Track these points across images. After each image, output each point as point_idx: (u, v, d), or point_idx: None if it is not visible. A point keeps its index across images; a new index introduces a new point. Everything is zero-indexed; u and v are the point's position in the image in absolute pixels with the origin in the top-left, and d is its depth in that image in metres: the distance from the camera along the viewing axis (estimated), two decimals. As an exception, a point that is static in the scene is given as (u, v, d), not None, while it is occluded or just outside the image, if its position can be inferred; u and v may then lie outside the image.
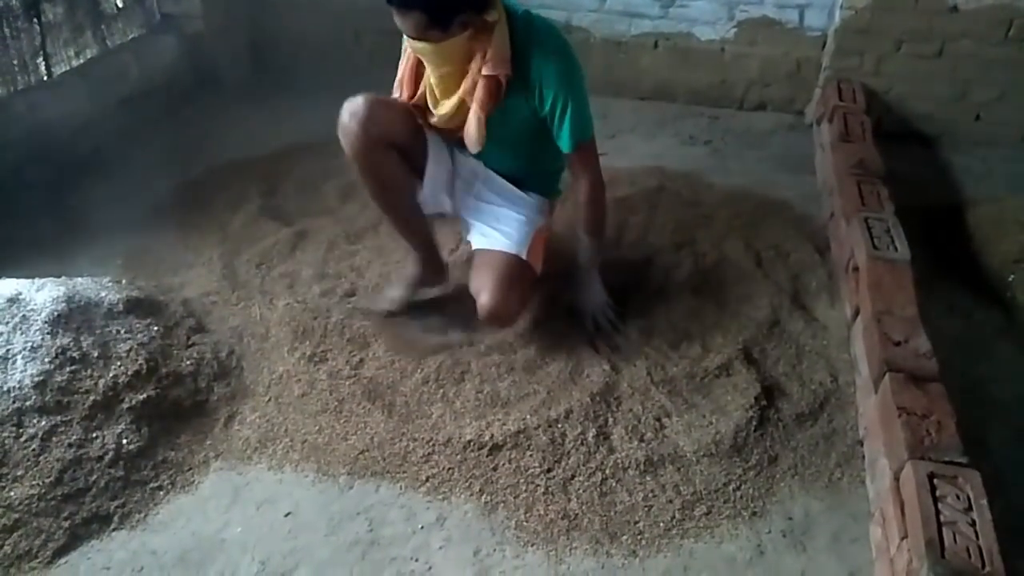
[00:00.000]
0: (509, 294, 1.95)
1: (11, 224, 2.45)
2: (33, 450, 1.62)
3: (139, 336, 1.90)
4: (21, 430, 1.63)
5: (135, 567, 1.54)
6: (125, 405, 1.75)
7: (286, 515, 1.66)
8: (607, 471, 1.72)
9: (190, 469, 1.75)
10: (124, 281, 2.18)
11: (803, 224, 2.62)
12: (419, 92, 1.93)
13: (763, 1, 3.31)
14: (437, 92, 1.90)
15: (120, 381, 1.78)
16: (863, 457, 1.74)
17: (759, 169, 3.01)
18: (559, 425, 1.82)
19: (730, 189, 2.84)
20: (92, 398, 1.72)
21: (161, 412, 1.81)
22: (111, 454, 1.68)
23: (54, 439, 1.65)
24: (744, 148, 3.18)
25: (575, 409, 1.85)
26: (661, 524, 1.61)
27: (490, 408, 1.88)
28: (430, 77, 1.88)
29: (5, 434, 1.62)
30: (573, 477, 1.71)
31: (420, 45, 1.77)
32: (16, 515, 1.55)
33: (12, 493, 1.57)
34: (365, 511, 1.66)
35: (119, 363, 1.80)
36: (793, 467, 1.74)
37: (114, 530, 1.61)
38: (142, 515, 1.64)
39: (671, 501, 1.66)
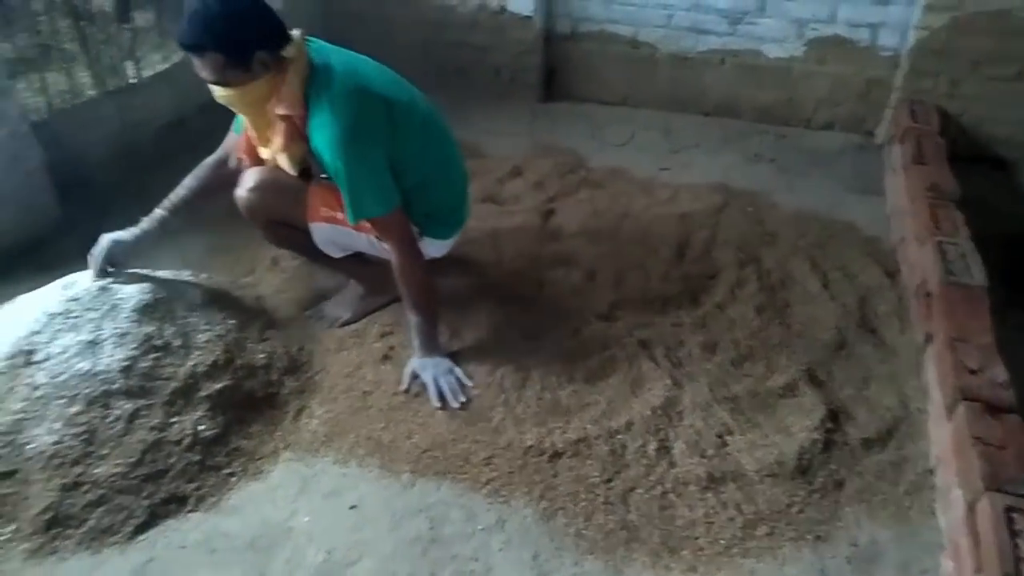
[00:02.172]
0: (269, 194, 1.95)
1: (99, 218, 2.56)
2: (118, 431, 1.71)
3: (217, 328, 1.97)
4: (108, 411, 1.72)
5: (209, 548, 1.61)
6: (203, 393, 1.83)
7: (351, 508, 1.70)
8: (668, 485, 1.72)
9: (261, 458, 1.82)
10: (203, 275, 2.27)
11: (871, 246, 2.58)
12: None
13: (834, 19, 3.27)
14: (257, 139, 1.90)
15: (199, 370, 1.86)
16: (934, 487, 1.71)
17: (826, 189, 2.98)
18: (619, 436, 1.83)
19: (796, 208, 2.82)
20: (173, 385, 1.80)
21: (235, 402, 1.88)
22: (189, 439, 1.75)
23: (137, 422, 1.73)
24: (811, 167, 3.15)
25: (636, 421, 1.86)
26: (722, 542, 1.61)
27: (551, 416, 1.91)
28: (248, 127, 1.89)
29: (93, 414, 1.70)
30: (633, 489, 1.72)
31: (225, 93, 1.74)
32: (101, 491, 1.63)
33: (98, 470, 1.65)
34: (427, 509, 1.70)
35: (198, 353, 1.88)
36: (860, 493, 1.72)
37: (190, 511, 1.68)
38: (216, 499, 1.71)
39: (732, 519, 1.65)
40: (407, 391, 1.97)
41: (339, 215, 1.95)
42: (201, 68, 1.69)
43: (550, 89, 3.74)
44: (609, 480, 1.74)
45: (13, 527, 1.59)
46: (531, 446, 1.81)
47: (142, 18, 3.09)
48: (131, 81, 2.98)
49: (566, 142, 3.32)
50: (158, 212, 2.00)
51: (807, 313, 2.24)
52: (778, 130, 3.45)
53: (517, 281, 2.38)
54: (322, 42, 1.86)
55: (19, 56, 2.49)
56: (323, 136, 1.75)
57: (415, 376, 1.99)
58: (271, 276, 2.40)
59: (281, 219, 2.04)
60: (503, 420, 1.89)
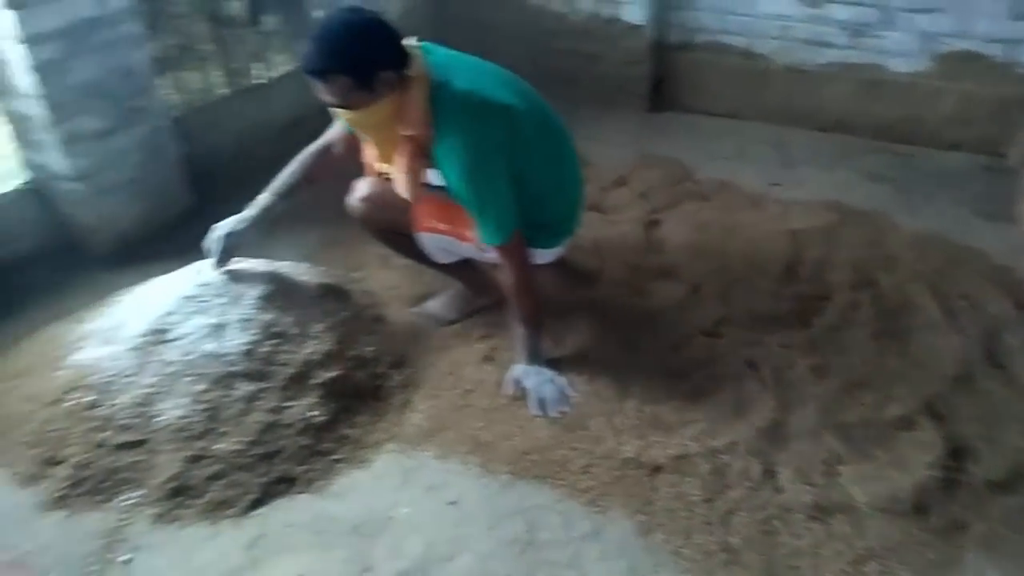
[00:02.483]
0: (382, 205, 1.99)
1: (224, 208, 2.71)
2: (238, 411, 1.80)
3: (331, 319, 2.05)
4: (230, 391, 1.81)
5: (315, 529, 1.67)
6: (316, 381, 1.90)
7: (450, 503, 1.74)
8: (772, 510, 1.67)
9: (366, 447, 1.88)
10: (319, 268, 2.36)
11: (1000, 276, 2.43)
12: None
13: (968, 34, 3.10)
14: (378, 156, 1.89)
15: (313, 358, 1.94)
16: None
17: (951, 213, 2.82)
18: (722, 456, 1.79)
19: (917, 232, 2.68)
20: (289, 371, 1.89)
21: (345, 391, 1.94)
22: (301, 423, 1.83)
23: (255, 403, 1.82)
24: (935, 189, 3.00)
25: (740, 442, 1.82)
26: (828, 575, 1.55)
27: (651, 429, 1.89)
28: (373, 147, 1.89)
29: (217, 393, 1.80)
30: (735, 511, 1.68)
31: (350, 115, 1.74)
32: (221, 466, 1.73)
33: (219, 446, 1.75)
34: (524, 511, 1.71)
35: (313, 342, 1.96)
36: (984, 538, 1.61)
37: (299, 492, 1.75)
38: (323, 483, 1.78)
39: (840, 553, 1.59)
40: (510, 396, 1.99)
41: (442, 226, 2.01)
42: (326, 92, 1.69)
43: (658, 99, 3.71)
44: (710, 499, 1.70)
45: (142, 492, 1.70)
46: (630, 458, 1.80)
47: (270, 22, 3.25)
48: (258, 81, 3.14)
49: (673, 153, 3.28)
50: (264, 197, 2.00)
51: (927, 342, 2.13)
52: (899, 148, 3.30)
53: (619, 291, 2.37)
54: (437, 47, 1.85)
55: (162, 56, 2.67)
56: (449, 161, 1.76)
57: (518, 382, 2.01)
58: (381, 273, 2.47)
59: (390, 227, 2.10)
60: (603, 429, 1.89)
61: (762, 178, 3.07)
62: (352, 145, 2.00)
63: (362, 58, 1.65)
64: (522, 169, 1.84)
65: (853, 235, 2.65)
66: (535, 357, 2.02)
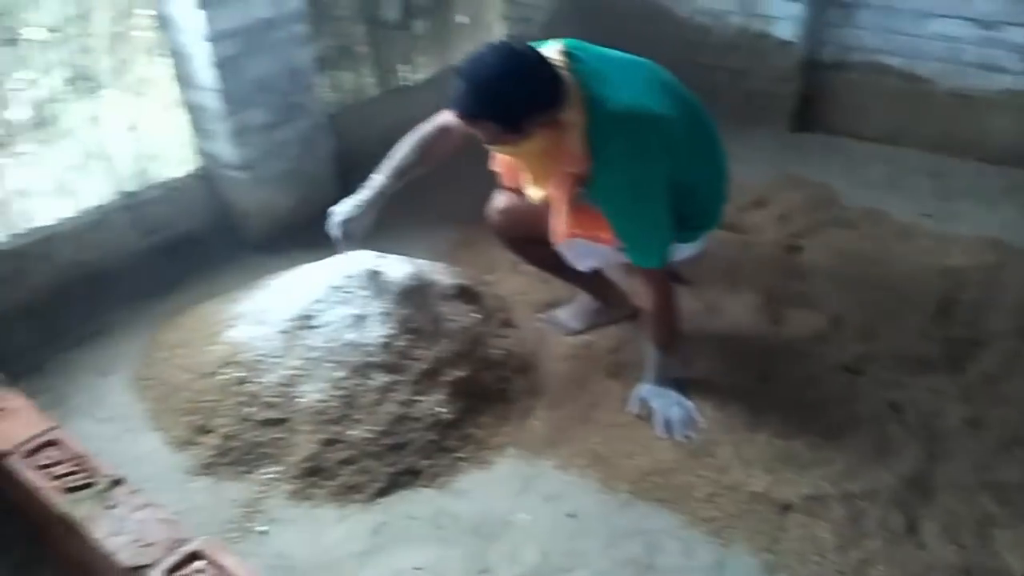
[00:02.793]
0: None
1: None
2: (373, 400, 1.87)
3: (463, 319, 2.10)
4: (366, 381, 1.89)
5: (436, 524, 1.71)
6: (445, 378, 1.95)
7: (569, 516, 1.74)
8: (914, 568, 1.57)
9: (488, 448, 1.90)
10: (453, 268, 2.42)
11: None
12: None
13: None
14: (529, 182, 1.87)
15: (444, 356, 1.98)
16: None
17: None
18: (859, 502, 1.70)
19: (1093, 279, 2.44)
20: (422, 366, 1.94)
21: (471, 391, 1.98)
22: (430, 418, 1.88)
23: (389, 394, 1.88)
24: (1118, 234, 2.72)
25: (880, 490, 1.72)
26: (973, 643, 1.44)
27: (782, 464, 1.81)
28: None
29: (355, 381, 1.88)
30: (871, 563, 1.59)
31: (499, 148, 1.77)
32: (353, 451, 1.80)
33: (352, 432, 1.82)
34: (643, 533, 1.68)
35: (446, 340, 2.01)
36: None
37: (423, 486, 1.81)
38: (445, 479, 1.83)
39: (990, 621, 1.47)
40: (635, 414, 1.97)
41: (578, 230, 1.93)
42: (474, 132, 1.71)
43: (804, 119, 3.55)
44: (843, 547, 1.62)
45: (280, 468, 1.80)
46: (759, 492, 1.74)
47: (419, 26, 3.35)
48: (404, 83, 3.25)
49: (817, 176, 3.14)
50: (378, 178, 1.96)
51: (1101, 402, 1.94)
52: (1076, 187, 3.02)
53: (754, 316, 2.30)
54: (585, 47, 1.79)
55: (321, 56, 2.82)
56: (609, 194, 1.75)
57: (644, 401, 1.98)
58: (511, 278, 2.50)
59: (527, 239, 2.11)
60: (730, 459, 1.83)
61: (915, 208, 2.89)
62: (458, 138, 1.96)
63: (511, 105, 1.63)
64: (676, 174, 1.79)
65: (1017, 277, 2.44)
66: (664, 378, 1.99)
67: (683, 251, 2.01)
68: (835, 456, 1.82)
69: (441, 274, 2.25)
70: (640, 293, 1.97)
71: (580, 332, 2.26)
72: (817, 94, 3.50)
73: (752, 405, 1.96)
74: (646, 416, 1.95)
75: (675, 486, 1.78)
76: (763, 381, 2.06)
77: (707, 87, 3.60)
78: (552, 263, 2.10)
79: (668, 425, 1.91)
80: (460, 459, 1.87)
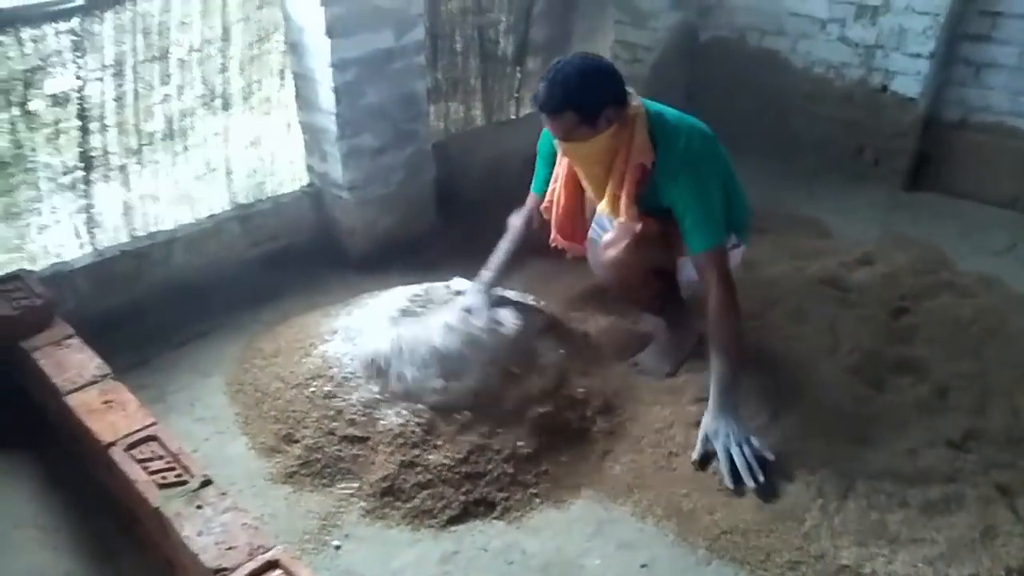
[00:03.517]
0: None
1: (464, 229, 2.89)
2: (454, 429, 1.88)
3: (551, 356, 2.10)
4: (451, 413, 1.90)
5: (507, 559, 1.70)
6: (529, 414, 1.95)
7: (642, 566, 1.69)
8: (1017, 667, 1.44)
9: (564, 488, 1.88)
10: (543, 302, 2.42)
11: None
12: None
13: None
14: (591, 191, 2.04)
15: (532, 391, 1.98)
16: None
17: None
18: (959, 588, 1.58)
19: None
20: (508, 405, 1.94)
21: (552, 428, 1.97)
22: (508, 451, 1.88)
23: (472, 425, 1.89)
24: None
25: (984, 578, 1.59)
26: None
27: (873, 539, 1.71)
28: (583, 179, 2.04)
29: (439, 410, 1.90)
30: (969, 656, 1.47)
31: (571, 146, 1.91)
32: (429, 476, 1.82)
33: (430, 457, 1.84)
34: (719, 594, 1.62)
35: (535, 376, 2.01)
36: None
37: (495, 518, 1.79)
38: (519, 514, 1.81)
39: None
40: (700, 463, 1.89)
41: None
42: (554, 126, 1.89)
43: (918, 178, 3.41)
44: (938, 636, 1.50)
45: (357, 485, 1.83)
46: (846, 566, 1.64)
47: (532, 63, 3.42)
48: (510, 117, 3.32)
49: (929, 238, 3.00)
50: (488, 274, 2.21)
51: None
52: None
53: (852, 378, 2.19)
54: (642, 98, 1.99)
55: (433, 87, 2.92)
56: (676, 175, 1.91)
57: (706, 441, 1.90)
58: (598, 317, 2.48)
59: (651, 267, 2.10)
60: (817, 527, 1.74)
61: (1038, 280, 2.71)
62: (548, 209, 2.18)
63: (589, 98, 1.84)
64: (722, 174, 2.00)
65: None
66: (727, 402, 1.89)
67: (734, 257, 2.14)
68: (934, 536, 1.70)
69: (533, 308, 2.26)
70: (707, 289, 1.94)
71: (671, 374, 2.21)
72: (935, 153, 3.35)
73: (845, 471, 1.86)
74: (707, 461, 1.88)
75: (756, 548, 1.70)
76: (859, 446, 1.95)
77: (816, 138, 3.54)
78: (658, 298, 2.21)
79: (735, 474, 1.83)
80: (535, 495, 1.85)
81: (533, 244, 2.27)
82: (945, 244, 2.94)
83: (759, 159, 3.41)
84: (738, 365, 1.93)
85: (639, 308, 2.32)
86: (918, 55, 3.15)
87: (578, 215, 2.16)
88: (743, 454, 1.84)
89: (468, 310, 2.10)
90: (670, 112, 1.99)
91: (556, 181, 2.13)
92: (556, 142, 1.96)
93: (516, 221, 2.26)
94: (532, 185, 2.26)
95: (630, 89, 1.94)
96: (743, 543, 1.72)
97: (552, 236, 2.20)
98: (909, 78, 3.21)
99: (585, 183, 2.06)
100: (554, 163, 2.13)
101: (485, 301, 2.14)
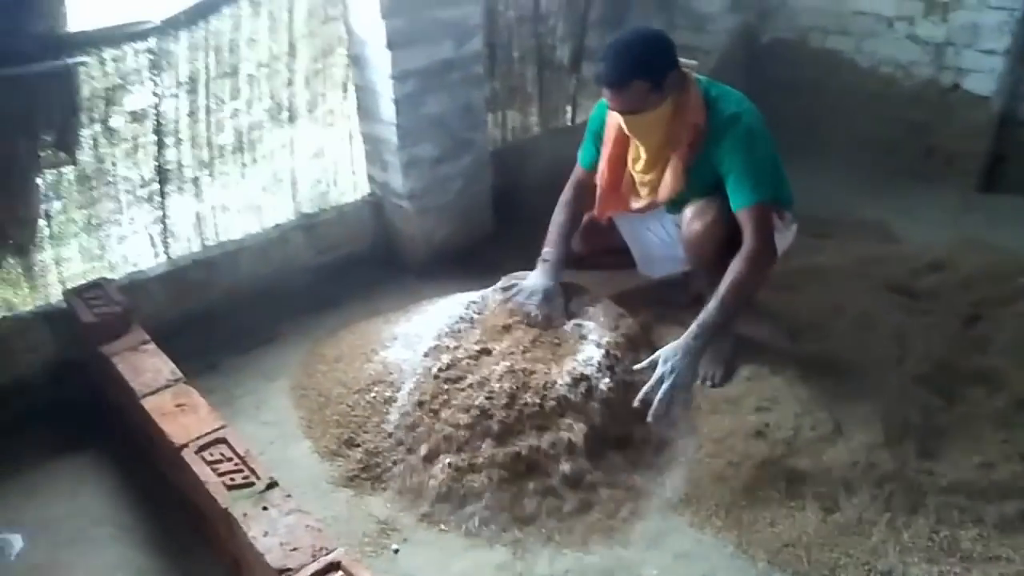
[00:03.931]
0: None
1: (518, 237, 2.88)
2: (512, 435, 1.89)
3: (618, 366, 2.08)
4: (510, 423, 1.92)
5: (564, 567, 1.70)
6: (588, 422, 1.94)
7: (700, 578, 1.67)
8: None
9: (620, 496, 1.87)
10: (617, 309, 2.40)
11: None
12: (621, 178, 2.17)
13: None
14: (645, 164, 2.08)
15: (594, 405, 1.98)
16: None
17: None
18: (1037, 610, 1.51)
19: None
20: (570, 421, 1.94)
21: (610, 436, 1.96)
22: (564, 459, 1.87)
23: (530, 432, 1.90)
24: None
25: (1065, 599, 1.52)
26: None
27: (944, 556, 1.65)
28: (641, 150, 2.07)
29: (499, 418, 1.92)
30: None
31: (638, 118, 1.95)
32: (486, 482, 1.82)
33: (488, 463, 1.85)
34: (780, 609, 1.58)
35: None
36: None
37: (552, 526, 1.80)
38: (575, 522, 1.81)
39: None
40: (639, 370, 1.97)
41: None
42: (621, 101, 1.92)
43: (992, 179, 3.27)
44: (1015, 659, 1.44)
45: (416, 490, 1.86)
46: (916, 583, 1.59)
47: (588, 69, 3.41)
48: (567, 124, 3.32)
49: (1005, 242, 2.86)
50: (551, 252, 2.25)
51: None
52: None
53: (922, 388, 2.11)
54: None
55: (491, 95, 2.94)
56: (728, 132, 1.95)
57: (656, 362, 1.93)
58: (658, 323, 2.44)
59: (732, 239, 2.05)
60: (885, 542, 1.69)
61: (1126, 287, 2.56)
62: (591, 191, 2.26)
63: (655, 63, 1.90)
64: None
65: None
66: (698, 342, 1.93)
67: (787, 237, 2.17)
68: (1010, 555, 1.64)
69: (610, 317, 2.24)
70: (746, 246, 1.94)
71: (725, 377, 2.16)
72: (1011, 153, 3.21)
73: (914, 484, 1.81)
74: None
75: (819, 562, 1.67)
76: (930, 459, 1.88)
77: (884, 139, 3.44)
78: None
79: (646, 397, 1.89)
80: (592, 503, 1.85)
81: (587, 205, 2.31)
82: (1022, 248, 2.81)
83: (823, 162, 3.33)
84: (732, 315, 1.99)
85: (712, 282, 2.25)
86: (992, 52, 3.03)
87: (616, 195, 2.21)
88: (665, 389, 1.88)
89: (543, 294, 2.16)
90: (716, 84, 2.05)
91: (601, 161, 2.18)
92: (620, 118, 1.99)
93: (566, 196, 2.31)
94: (580, 159, 2.31)
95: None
96: (806, 557, 1.68)
97: (596, 209, 2.25)
98: (982, 76, 3.09)
99: (641, 152, 2.08)
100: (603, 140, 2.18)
101: (558, 289, 2.21)
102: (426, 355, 2.05)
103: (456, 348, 2.05)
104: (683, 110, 1.96)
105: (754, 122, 1.98)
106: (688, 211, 2.07)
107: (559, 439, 1.90)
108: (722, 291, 1.93)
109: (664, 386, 1.89)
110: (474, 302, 2.23)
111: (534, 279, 2.22)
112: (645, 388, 1.91)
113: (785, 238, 2.16)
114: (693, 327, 1.94)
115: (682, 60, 1.98)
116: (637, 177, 2.15)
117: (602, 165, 2.19)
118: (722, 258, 2.05)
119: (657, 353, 1.97)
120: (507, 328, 2.13)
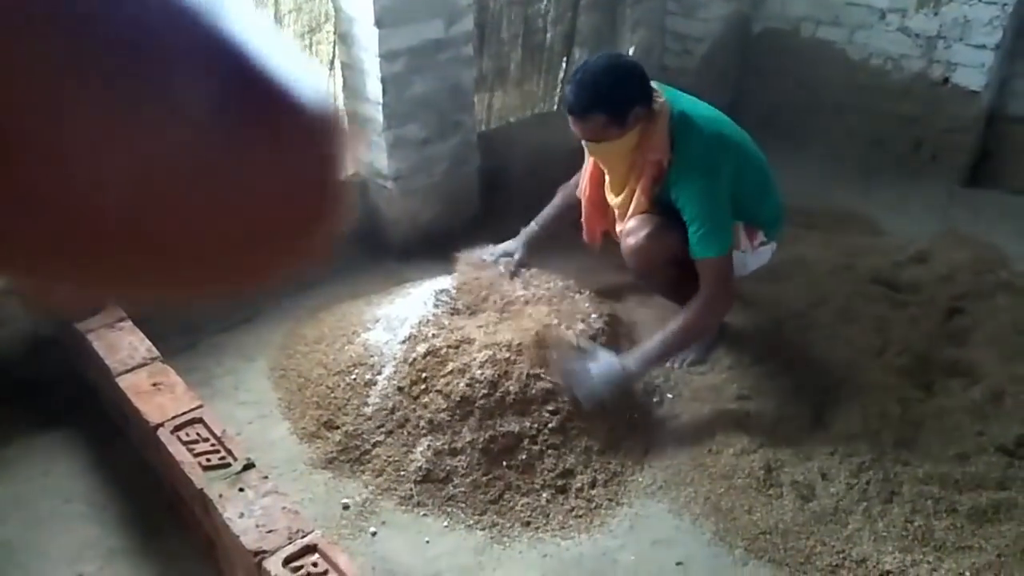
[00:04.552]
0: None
1: (505, 220, 2.85)
2: (491, 419, 1.89)
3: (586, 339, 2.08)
4: (488, 402, 1.92)
5: (541, 552, 1.71)
6: (566, 406, 1.94)
7: (677, 564, 1.68)
8: None
9: (599, 483, 1.86)
10: (585, 291, 2.40)
11: None
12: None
13: None
14: (612, 187, 2.09)
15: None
16: None
17: None
18: (1009, 601, 1.53)
19: None
20: (550, 407, 1.94)
21: (589, 420, 1.95)
22: (544, 442, 1.88)
23: (508, 416, 1.90)
24: None
25: (1035, 590, 1.54)
26: None
27: (919, 545, 1.67)
28: (606, 176, 2.09)
29: (478, 399, 1.91)
30: (1016, 671, 1.42)
31: (598, 146, 1.95)
32: (465, 465, 1.83)
33: (466, 447, 1.85)
34: (756, 596, 1.59)
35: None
36: None
37: (530, 510, 1.79)
38: (553, 506, 1.81)
39: None
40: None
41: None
42: (581, 129, 1.91)
43: (978, 174, 3.28)
44: (984, 649, 1.46)
45: (395, 472, 1.85)
46: (889, 572, 1.61)
47: (579, 53, 3.39)
48: (555, 108, 3.29)
49: (988, 236, 2.88)
50: (531, 228, 2.39)
51: None
52: None
53: (900, 379, 2.12)
54: (669, 87, 2.02)
55: (479, 76, 2.91)
56: (688, 179, 1.93)
57: (583, 365, 1.94)
58: (637, 309, 2.44)
59: (670, 256, 2.07)
60: (860, 530, 1.70)
61: (1105, 283, 2.59)
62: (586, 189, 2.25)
63: (617, 98, 1.87)
64: (737, 192, 1.99)
65: None
66: (637, 372, 1.98)
67: (761, 255, 2.19)
68: (983, 544, 1.66)
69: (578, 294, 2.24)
70: (702, 294, 1.97)
71: (696, 361, 2.18)
72: (999, 149, 3.22)
73: (890, 474, 1.82)
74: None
75: (795, 549, 1.68)
76: (906, 450, 1.90)
77: (870, 133, 3.44)
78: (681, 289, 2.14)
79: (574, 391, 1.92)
80: (570, 488, 1.85)
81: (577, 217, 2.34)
82: (1004, 242, 2.82)
83: (810, 152, 3.33)
84: (673, 353, 2.07)
85: (660, 295, 2.29)
86: (983, 46, 3.03)
87: (599, 211, 2.22)
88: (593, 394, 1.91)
89: (502, 252, 2.32)
90: (698, 112, 1.99)
91: (583, 177, 2.20)
92: (583, 142, 2.00)
93: (567, 190, 2.37)
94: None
95: (655, 86, 1.96)
96: (782, 544, 1.69)
97: (584, 234, 2.30)
98: (972, 70, 3.08)
99: (608, 180, 2.11)
100: None
101: (525, 253, 2.33)
102: (404, 341, 2.03)
103: (435, 336, 2.02)
104: (646, 144, 1.93)
105: (719, 167, 1.94)
106: (628, 224, 2.07)
107: (539, 424, 1.90)
108: (669, 331, 1.98)
109: (578, 392, 1.92)
110: (453, 286, 2.22)
111: (505, 243, 2.39)
112: (561, 376, 1.94)
113: (756, 258, 2.18)
114: (637, 354, 1.99)
115: (655, 86, 1.95)
116: (609, 199, 2.16)
117: (584, 182, 2.23)
118: (659, 269, 2.11)
119: (598, 354, 1.99)
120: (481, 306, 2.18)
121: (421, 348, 1.99)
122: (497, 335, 2.02)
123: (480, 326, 2.07)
